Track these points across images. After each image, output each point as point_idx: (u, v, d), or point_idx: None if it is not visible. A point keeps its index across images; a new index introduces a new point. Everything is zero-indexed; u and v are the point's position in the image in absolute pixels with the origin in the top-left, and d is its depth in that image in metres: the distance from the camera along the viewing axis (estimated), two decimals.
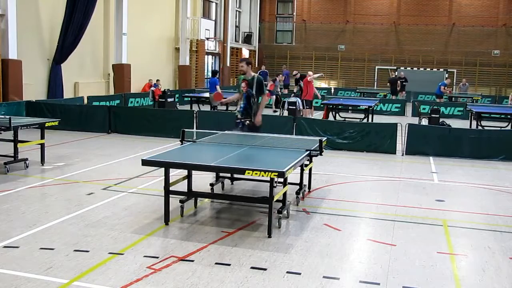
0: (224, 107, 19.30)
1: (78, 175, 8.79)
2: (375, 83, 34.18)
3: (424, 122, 17.67)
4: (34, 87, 16.73)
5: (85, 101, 17.35)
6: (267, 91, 8.39)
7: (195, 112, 14.01)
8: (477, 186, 9.12)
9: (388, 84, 26.59)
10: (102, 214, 6.58)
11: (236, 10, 33.85)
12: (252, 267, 5.02)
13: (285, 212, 6.52)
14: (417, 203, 7.70)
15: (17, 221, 6.18)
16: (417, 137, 12.00)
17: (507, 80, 32.24)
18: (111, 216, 6.51)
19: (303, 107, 17.42)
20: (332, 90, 30.56)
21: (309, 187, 8.18)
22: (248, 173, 5.75)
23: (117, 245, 5.42)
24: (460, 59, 32.95)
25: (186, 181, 6.88)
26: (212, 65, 31.06)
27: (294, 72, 20.14)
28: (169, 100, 19.59)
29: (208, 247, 5.54)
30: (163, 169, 6.31)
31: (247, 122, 8.55)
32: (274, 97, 21.20)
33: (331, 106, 17.26)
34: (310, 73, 16.93)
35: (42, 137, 9.57)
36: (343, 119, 16.99)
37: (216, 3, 30.73)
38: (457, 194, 8.59)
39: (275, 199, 5.97)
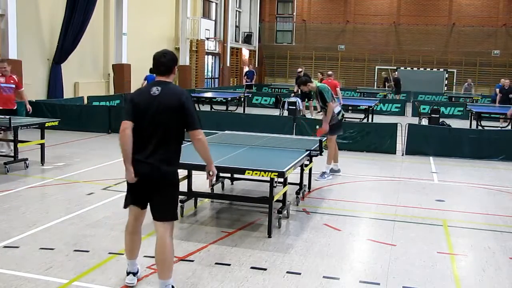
0: (224, 107, 19.33)
1: (78, 175, 8.79)
2: (375, 83, 34.17)
3: (424, 122, 17.67)
4: (34, 87, 16.71)
5: (85, 101, 17.34)
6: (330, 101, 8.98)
7: None
8: (477, 186, 9.12)
9: (393, 83, 26.94)
10: (102, 214, 6.58)
11: (236, 10, 33.85)
12: (252, 267, 5.02)
13: (285, 212, 6.52)
14: (417, 203, 7.70)
15: (17, 221, 6.18)
16: (417, 137, 12.00)
17: None
18: (111, 216, 6.51)
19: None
20: None
21: (309, 187, 8.18)
22: (248, 173, 5.76)
23: (117, 245, 5.42)
24: (460, 59, 32.94)
25: (186, 181, 6.88)
26: (212, 65, 31.07)
27: (299, 70, 19.98)
28: None
29: (208, 247, 5.54)
30: None
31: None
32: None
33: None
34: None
35: (42, 137, 9.57)
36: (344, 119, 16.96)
37: (216, 3, 30.73)
38: (457, 194, 8.59)
39: (275, 199, 5.97)
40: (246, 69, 34.34)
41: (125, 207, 4.41)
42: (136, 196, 4.28)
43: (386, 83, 29.76)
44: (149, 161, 4.11)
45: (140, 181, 4.16)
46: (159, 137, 4.11)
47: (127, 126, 4.12)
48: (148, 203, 4.29)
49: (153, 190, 4.17)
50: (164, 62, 4.21)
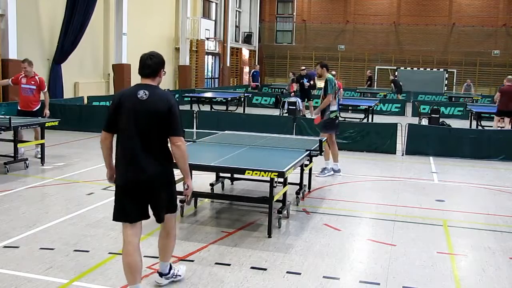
0: (224, 107, 19.33)
1: (78, 175, 8.79)
2: (375, 83, 34.16)
3: (424, 122, 17.68)
4: None
5: (85, 101, 17.34)
6: (328, 93, 9.20)
7: (195, 112, 14.01)
8: (477, 186, 9.12)
9: (392, 84, 27.27)
10: (102, 214, 6.58)
11: (236, 10, 33.85)
12: (252, 267, 5.02)
13: (285, 212, 6.52)
14: (417, 203, 7.70)
15: (17, 221, 6.18)
16: (417, 137, 11.99)
17: None
18: (111, 216, 6.47)
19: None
20: None
21: (309, 187, 8.18)
22: (248, 173, 5.76)
23: (117, 245, 5.41)
24: (460, 59, 32.95)
25: None
26: (212, 65, 31.06)
27: (302, 68, 19.90)
28: None
29: (208, 247, 5.54)
30: None
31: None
32: None
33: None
34: None
35: (42, 137, 9.57)
36: (343, 119, 16.97)
37: (216, 3, 30.73)
38: (457, 194, 8.59)
39: (275, 199, 5.97)
40: (246, 69, 34.33)
41: (116, 219, 4.22)
42: (130, 211, 4.13)
43: (369, 81, 29.79)
44: (141, 166, 4.05)
45: (133, 189, 4.09)
46: (148, 141, 4.07)
47: (107, 137, 4.16)
48: (148, 207, 4.23)
49: (151, 193, 4.12)
50: (149, 64, 4.16)
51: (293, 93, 19.66)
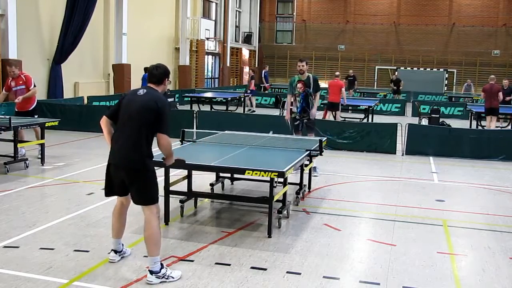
0: (224, 107, 19.33)
1: (78, 175, 8.79)
2: (375, 83, 34.17)
3: (424, 122, 17.68)
4: None
5: (85, 101, 17.34)
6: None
7: (195, 112, 14.00)
8: (477, 186, 9.12)
9: (392, 84, 27.09)
10: (102, 214, 6.58)
11: (236, 10, 33.85)
12: (252, 267, 5.02)
13: (285, 212, 6.52)
14: (417, 203, 7.70)
15: (17, 221, 6.18)
16: (417, 137, 11.99)
17: None
18: (111, 216, 6.49)
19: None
20: None
21: (309, 187, 8.18)
22: (248, 173, 5.75)
23: None
24: (460, 59, 32.95)
25: (186, 181, 6.88)
26: (212, 65, 31.06)
27: None
28: (169, 100, 19.59)
29: (208, 247, 5.54)
30: (163, 169, 6.30)
31: (305, 120, 9.26)
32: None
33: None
34: None
35: (42, 137, 9.57)
36: (343, 119, 16.97)
37: (216, 3, 30.73)
38: (457, 194, 8.59)
39: (275, 199, 5.97)
40: (246, 69, 34.28)
41: (106, 195, 5.03)
42: (113, 187, 4.86)
43: (355, 81, 29.48)
44: (122, 151, 4.66)
45: (114, 169, 4.75)
46: (133, 130, 4.63)
47: (102, 119, 4.82)
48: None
49: (127, 177, 4.68)
50: (155, 74, 4.88)
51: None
